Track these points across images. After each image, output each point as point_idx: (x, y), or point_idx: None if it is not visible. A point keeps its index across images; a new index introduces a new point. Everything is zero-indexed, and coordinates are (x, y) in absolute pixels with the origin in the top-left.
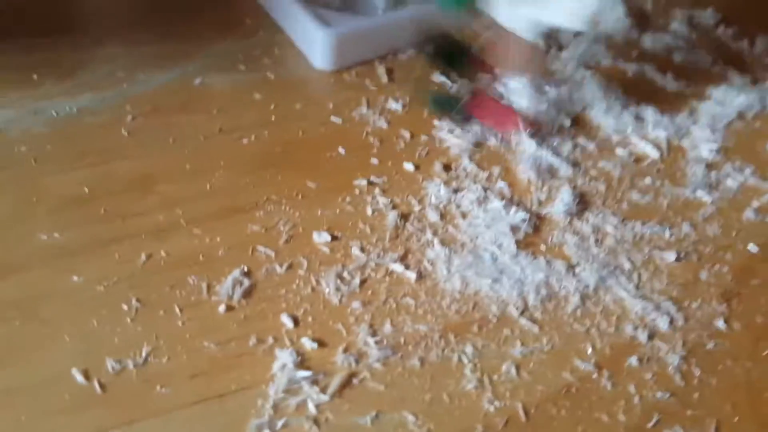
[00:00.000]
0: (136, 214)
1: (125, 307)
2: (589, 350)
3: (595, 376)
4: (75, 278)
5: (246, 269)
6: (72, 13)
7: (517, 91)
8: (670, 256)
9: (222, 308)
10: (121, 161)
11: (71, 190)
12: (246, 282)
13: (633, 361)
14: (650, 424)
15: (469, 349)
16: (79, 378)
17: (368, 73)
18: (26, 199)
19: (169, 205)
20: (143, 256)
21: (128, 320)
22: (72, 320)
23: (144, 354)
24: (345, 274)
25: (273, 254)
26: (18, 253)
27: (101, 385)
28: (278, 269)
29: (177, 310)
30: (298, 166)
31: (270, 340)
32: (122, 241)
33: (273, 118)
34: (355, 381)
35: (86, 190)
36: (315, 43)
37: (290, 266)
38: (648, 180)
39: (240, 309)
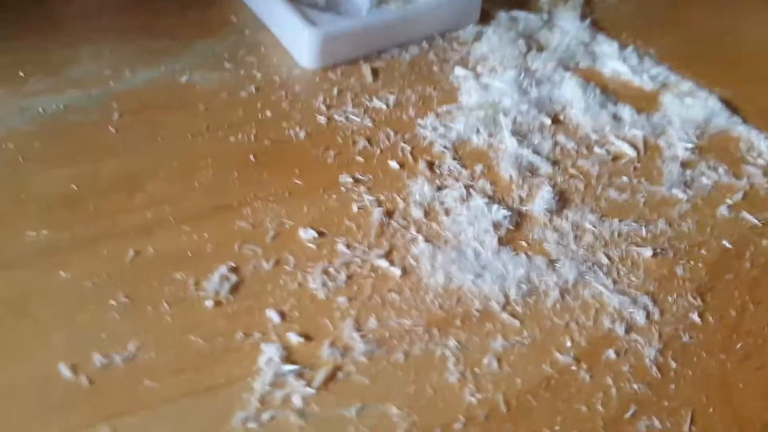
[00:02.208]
0: (125, 211)
1: (113, 302)
2: (568, 343)
3: (574, 368)
4: (63, 275)
5: (233, 265)
6: (57, 10)
7: (500, 90)
8: (647, 252)
9: (209, 304)
10: (110, 159)
11: (60, 188)
12: (233, 278)
13: (611, 353)
14: (627, 415)
15: (452, 343)
16: (67, 373)
17: (354, 72)
18: (15, 197)
19: (157, 202)
20: (131, 253)
21: (116, 316)
22: (60, 316)
23: (131, 349)
24: (331, 270)
25: (260, 251)
26: (7, 251)
27: (89, 380)
28: (265, 265)
29: (165, 305)
30: (285, 164)
31: (256, 335)
32: (110, 239)
33: (259, 117)
34: (340, 374)
35: (75, 188)
36: (300, 42)
37: (277, 262)
38: (625, 178)
39: (227, 304)
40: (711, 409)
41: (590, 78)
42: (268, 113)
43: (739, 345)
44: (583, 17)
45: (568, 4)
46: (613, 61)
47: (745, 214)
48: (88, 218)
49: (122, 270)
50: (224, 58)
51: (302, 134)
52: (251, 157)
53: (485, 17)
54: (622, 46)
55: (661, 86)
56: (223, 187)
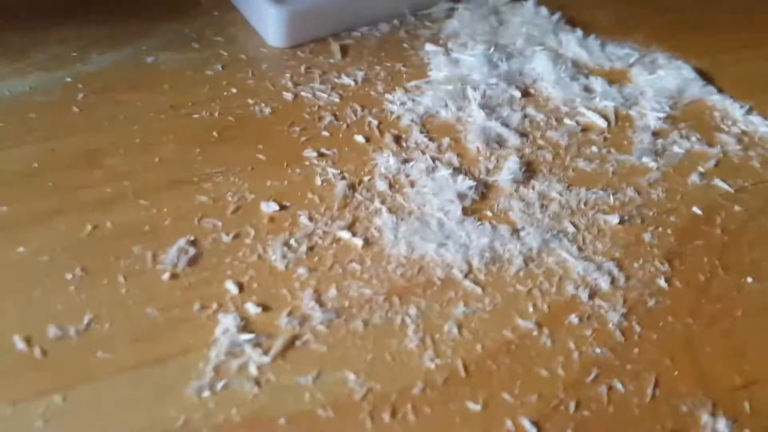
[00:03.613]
0: (84, 186)
1: (69, 276)
2: (530, 309)
3: (535, 333)
4: (20, 249)
5: (192, 239)
6: None
7: (469, 64)
8: (614, 219)
9: (166, 276)
10: (71, 137)
11: (20, 165)
12: (191, 251)
13: (573, 318)
14: (589, 379)
15: (412, 310)
16: (20, 344)
17: (322, 50)
18: None
19: (116, 177)
20: (88, 227)
21: (72, 289)
22: (15, 290)
23: (86, 321)
24: (292, 242)
25: (220, 224)
26: None
27: (42, 351)
28: (225, 238)
29: (120, 278)
30: (249, 139)
31: (214, 305)
32: (68, 213)
33: (225, 94)
34: (298, 343)
35: (35, 165)
36: (268, 21)
37: (237, 235)
38: (594, 148)
39: (184, 277)
40: (676, 372)
41: (559, 56)
42: (234, 90)
43: (706, 309)
44: None
45: None
46: (576, 47)
47: (718, 181)
48: (46, 194)
49: (79, 244)
50: (191, 38)
51: (267, 110)
52: (214, 133)
53: None
54: (586, 34)
55: (628, 66)
56: (184, 163)
